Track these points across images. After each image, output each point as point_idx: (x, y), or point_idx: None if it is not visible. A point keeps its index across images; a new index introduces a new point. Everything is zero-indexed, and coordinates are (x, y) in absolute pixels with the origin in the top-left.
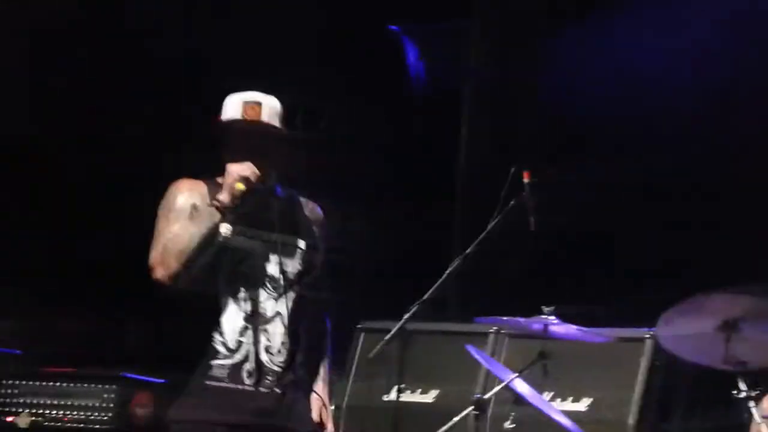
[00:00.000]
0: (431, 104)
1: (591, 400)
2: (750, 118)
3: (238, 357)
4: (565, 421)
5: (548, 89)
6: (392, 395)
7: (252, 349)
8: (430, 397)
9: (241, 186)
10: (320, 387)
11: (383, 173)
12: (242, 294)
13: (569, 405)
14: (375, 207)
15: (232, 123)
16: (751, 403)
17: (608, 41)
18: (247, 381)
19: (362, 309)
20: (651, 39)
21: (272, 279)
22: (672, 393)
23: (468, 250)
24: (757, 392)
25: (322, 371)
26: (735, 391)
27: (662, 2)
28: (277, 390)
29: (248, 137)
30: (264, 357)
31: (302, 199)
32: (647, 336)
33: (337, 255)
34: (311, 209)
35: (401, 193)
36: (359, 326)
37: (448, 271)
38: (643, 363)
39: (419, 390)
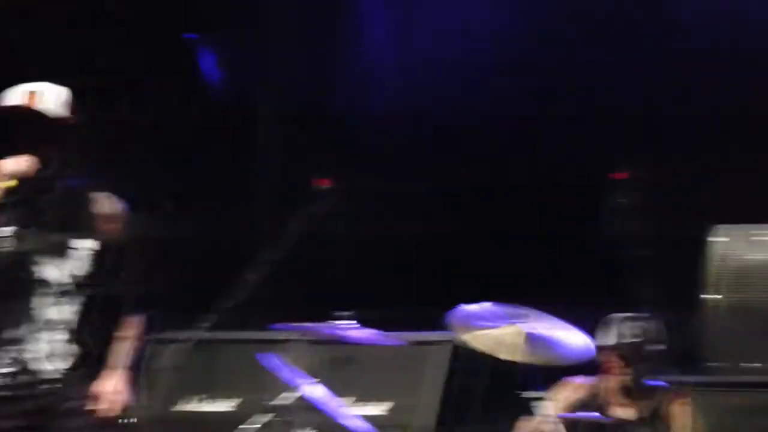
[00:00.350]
0: (229, 110)
1: (391, 404)
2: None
3: (12, 366)
4: (360, 426)
5: (339, 96)
6: (185, 405)
7: (27, 357)
8: (226, 405)
9: (6, 184)
10: (110, 379)
11: (184, 177)
12: (16, 301)
13: (370, 409)
14: (176, 211)
15: (6, 110)
16: (535, 404)
17: (404, 45)
18: (21, 388)
19: (157, 317)
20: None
21: (48, 283)
22: (469, 396)
23: (263, 258)
24: (540, 394)
25: (119, 363)
26: (521, 393)
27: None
28: (54, 393)
29: (24, 126)
30: (39, 364)
31: (94, 194)
32: (445, 340)
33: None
34: (104, 204)
35: (202, 199)
36: (149, 337)
37: (245, 279)
38: (442, 367)
39: (216, 399)
